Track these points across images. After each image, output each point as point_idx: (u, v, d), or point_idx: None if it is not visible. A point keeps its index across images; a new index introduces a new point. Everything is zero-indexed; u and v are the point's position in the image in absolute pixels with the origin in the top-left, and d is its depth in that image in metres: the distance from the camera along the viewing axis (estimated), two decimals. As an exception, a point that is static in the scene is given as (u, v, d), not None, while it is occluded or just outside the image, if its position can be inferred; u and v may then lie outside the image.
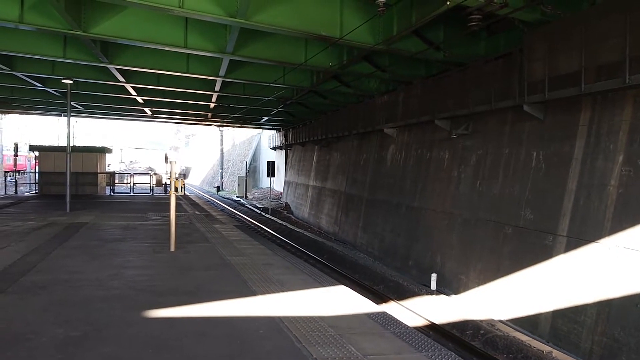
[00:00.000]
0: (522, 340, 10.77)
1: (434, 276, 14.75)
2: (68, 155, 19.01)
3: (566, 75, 10.97)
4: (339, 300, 6.82)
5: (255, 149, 57.24)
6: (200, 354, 4.79)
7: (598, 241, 10.06)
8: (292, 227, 28.38)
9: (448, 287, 14.59)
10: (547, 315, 10.97)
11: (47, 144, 33.88)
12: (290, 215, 34.91)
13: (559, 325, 10.62)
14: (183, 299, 6.63)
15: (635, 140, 9.69)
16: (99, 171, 28.54)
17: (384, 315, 6.19)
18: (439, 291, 14.54)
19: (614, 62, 9.82)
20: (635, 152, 9.64)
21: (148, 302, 6.45)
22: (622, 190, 9.78)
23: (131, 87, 22.25)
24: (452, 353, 5.10)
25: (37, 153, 28.39)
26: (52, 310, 6.15)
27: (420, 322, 12.06)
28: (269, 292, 7.05)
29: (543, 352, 10.17)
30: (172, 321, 5.83)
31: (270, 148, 48.66)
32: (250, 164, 53.98)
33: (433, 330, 11.60)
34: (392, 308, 13.07)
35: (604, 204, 10.13)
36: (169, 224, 10.66)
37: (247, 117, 35.13)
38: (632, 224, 9.44)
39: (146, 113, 33.50)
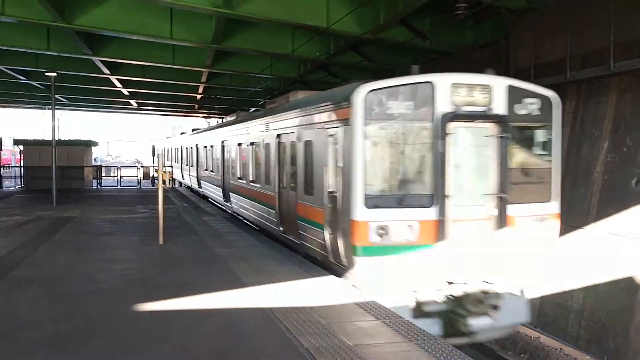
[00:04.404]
0: (510, 326, 10.88)
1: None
2: (53, 149, 18.78)
3: (552, 63, 11.02)
4: (328, 290, 6.84)
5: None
6: (192, 348, 4.78)
7: (584, 227, 10.17)
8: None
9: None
10: (535, 301, 11.09)
11: (31, 138, 33.37)
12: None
13: (547, 310, 10.76)
14: (173, 292, 6.61)
15: (620, 127, 9.77)
16: (85, 164, 28.27)
17: (373, 304, 6.23)
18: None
19: (599, 50, 9.88)
20: (620, 139, 9.74)
21: (138, 296, 6.42)
22: (607, 176, 9.88)
23: (116, 79, 22.05)
24: (442, 340, 5.16)
25: (21, 147, 28.03)
26: (42, 304, 6.11)
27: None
28: (259, 284, 7.05)
29: (531, 337, 10.29)
30: (162, 314, 5.82)
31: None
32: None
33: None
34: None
35: (589, 191, 10.23)
36: (157, 217, 10.60)
37: (234, 108, 34.95)
38: (617, 210, 9.55)
39: (132, 105, 33.22)
